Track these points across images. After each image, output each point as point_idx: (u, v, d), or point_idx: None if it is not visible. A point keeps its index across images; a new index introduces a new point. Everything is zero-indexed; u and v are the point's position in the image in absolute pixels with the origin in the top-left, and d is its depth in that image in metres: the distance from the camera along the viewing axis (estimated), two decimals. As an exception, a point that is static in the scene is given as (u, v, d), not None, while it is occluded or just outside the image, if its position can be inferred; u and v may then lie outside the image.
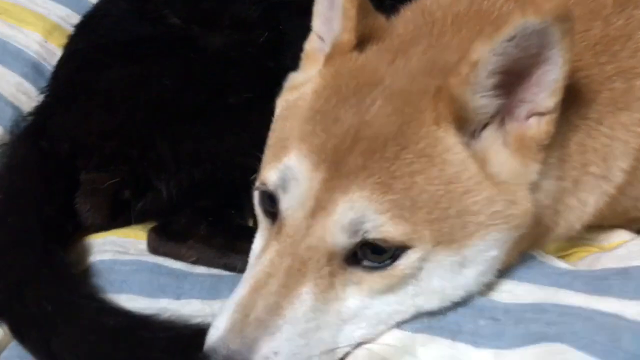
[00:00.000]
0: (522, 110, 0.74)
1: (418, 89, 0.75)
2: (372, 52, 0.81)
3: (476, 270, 0.76)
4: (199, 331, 0.78)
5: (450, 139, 0.72)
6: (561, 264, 0.85)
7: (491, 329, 0.77)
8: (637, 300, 0.75)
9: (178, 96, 1.04)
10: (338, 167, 0.72)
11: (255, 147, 1.01)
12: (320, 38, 0.89)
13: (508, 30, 0.66)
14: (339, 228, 0.71)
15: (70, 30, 1.26)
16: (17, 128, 1.13)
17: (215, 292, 0.92)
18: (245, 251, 0.93)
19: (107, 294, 0.92)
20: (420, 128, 0.72)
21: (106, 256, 0.98)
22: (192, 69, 1.07)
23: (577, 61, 0.78)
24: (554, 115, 0.73)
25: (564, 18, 0.66)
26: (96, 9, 1.24)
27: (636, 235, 0.92)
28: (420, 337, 0.77)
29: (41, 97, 1.16)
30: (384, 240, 0.71)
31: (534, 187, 0.76)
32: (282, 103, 0.87)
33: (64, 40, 1.25)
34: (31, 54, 1.29)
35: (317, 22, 0.87)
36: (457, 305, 0.78)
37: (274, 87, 1.03)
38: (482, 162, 0.73)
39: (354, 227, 0.71)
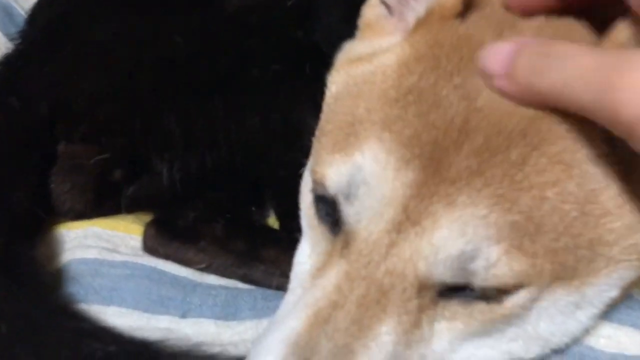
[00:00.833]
0: None
1: None
2: (474, 21, 0.63)
3: (590, 314, 0.61)
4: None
5: (596, 147, 0.55)
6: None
7: (593, 384, 0.62)
8: None
9: (192, 59, 0.84)
10: (438, 168, 0.54)
11: (284, 130, 0.83)
12: (384, 3, 0.70)
13: None
14: (441, 259, 0.53)
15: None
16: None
17: (232, 310, 0.72)
18: (272, 260, 0.75)
19: (90, 305, 0.71)
20: (558, 124, 0.54)
21: (89, 254, 0.77)
22: (209, 30, 0.87)
23: None
24: None
25: None
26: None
27: None
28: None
29: (11, 45, 0.95)
30: (495, 290, 0.54)
31: None
32: (342, 78, 0.67)
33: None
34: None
35: None
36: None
37: (305, 61, 0.85)
38: (625, 180, 0.56)
39: (462, 264, 0.53)
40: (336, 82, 0.68)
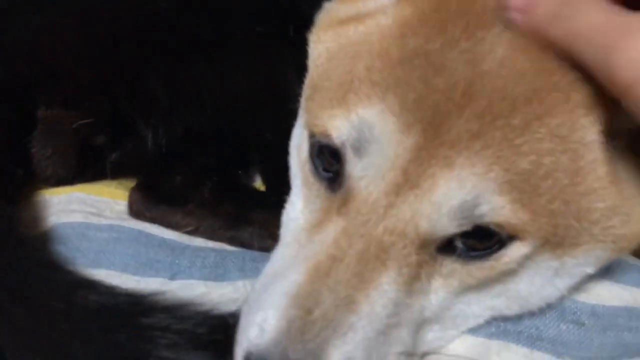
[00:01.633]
0: None
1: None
2: None
3: (566, 284, 0.63)
4: (220, 321, 0.61)
5: (592, 133, 0.57)
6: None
7: (574, 335, 0.65)
8: None
9: (176, 21, 0.83)
10: (438, 132, 0.55)
11: (269, 92, 0.83)
12: None
13: None
14: (445, 212, 0.54)
15: None
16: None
17: (221, 271, 0.72)
18: (260, 222, 0.75)
19: (79, 268, 0.70)
20: (563, 102, 0.56)
21: (75, 218, 0.76)
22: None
23: None
24: None
25: None
26: None
27: None
28: (495, 345, 0.64)
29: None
30: (499, 225, 0.55)
31: None
32: (333, 38, 0.67)
33: None
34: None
35: None
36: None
37: (289, 23, 0.85)
38: (612, 164, 0.59)
39: (466, 212, 0.54)
40: (324, 41, 0.68)
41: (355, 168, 0.57)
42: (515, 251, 0.57)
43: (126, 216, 0.79)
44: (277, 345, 0.53)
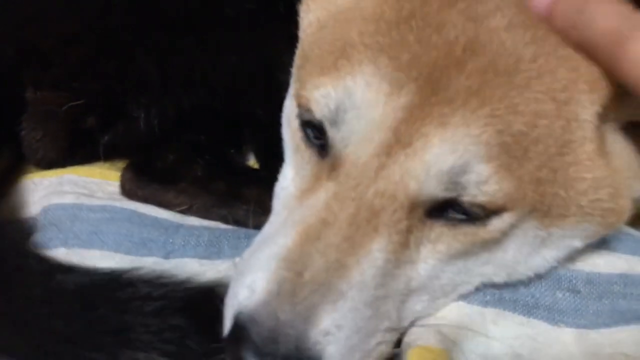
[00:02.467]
0: None
1: None
2: None
3: (554, 255, 0.63)
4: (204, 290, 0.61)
5: (587, 113, 0.57)
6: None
7: (570, 302, 0.65)
8: None
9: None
10: (435, 88, 0.54)
11: (260, 69, 0.82)
12: None
13: None
14: (433, 175, 0.54)
15: None
16: None
17: (215, 249, 0.72)
18: (254, 200, 0.75)
19: (71, 249, 0.69)
20: (569, 70, 0.55)
21: (66, 199, 0.75)
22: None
23: None
24: None
25: None
26: None
27: None
28: (491, 313, 0.64)
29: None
30: (482, 207, 0.55)
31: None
32: (323, 6, 0.66)
33: None
34: None
35: None
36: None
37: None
38: (602, 140, 0.59)
39: (453, 178, 0.53)
40: (314, 10, 0.67)
41: (336, 137, 0.57)
42: (501, 221, 0.57)
43: (118, 197, 0.78)
44: (266, 306, 0.52)
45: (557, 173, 0.57)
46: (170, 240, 0.72)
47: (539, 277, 0.65)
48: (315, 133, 0.60)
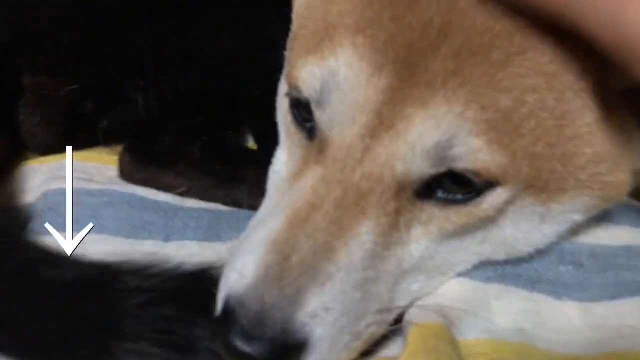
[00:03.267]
0: None
1: None
2: None
3: (554, 230, 0.62)
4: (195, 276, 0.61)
5: (584, 81, 0.55)
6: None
7: (574, 276, 0.64)
8: None
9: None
10: (414, 71, 0.53)
11: (256, 49, 0.81)
12: None
13: None
14: (419, 153, 0.53)
15: None
16: None
17: (215, 232, 0.71)
18: (252, 180, 0.74)
19: (70, 234, 0.69)
20: (553, 42, 0.53)
21: (65, 184, 0.74)
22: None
23: None
24: None
25: None
26: None
27: None
28: (494, 289, 0.64)
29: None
30: (476, 173, 0.54)
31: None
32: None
33: None
34: None
35: None
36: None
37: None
38: (602, 111, 0.57)
39: (440, 153, 0.53)
40: None
41: (322, 119, 0.56)
42: (495, 197, 0.56)
43: (117, 181, 0.78)
44: (254, 289, 0.53)
45: (555, 147, 0.55)
46: (170, 223, 0.71)
47: (539, 253, 0.64)
48: (304, 115, 0.60)
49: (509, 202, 0.57)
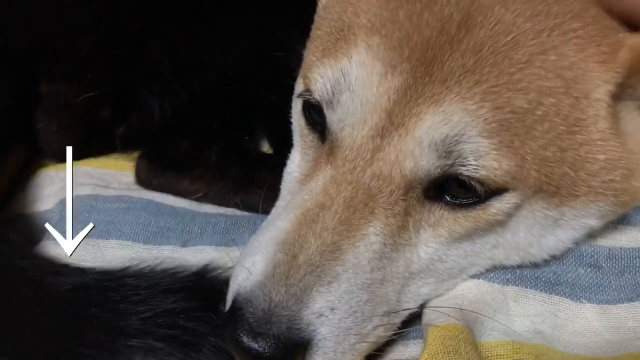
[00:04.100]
0: None
1: None
2: None
3: (570, 235, 0.62)
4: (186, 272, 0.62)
5: (599, 92, 0.55)
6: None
7: (592, 278, 0.64)
8: None
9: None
10: (429, 68, 0.53)
11: (271, 53, 0.81)
12: None
13: None
14: (426, 146, 0.53)
15: None
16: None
17: (232, 236, 0.72)
18: (268, 184, 0.74)
19: (89, 239, 0.70)
20: (575, 48, 0.54)
21: (82, 191, 0.75)
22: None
23: None
24: None
25: None
26: None
27: None
28: (512, 291, 0.64)
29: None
30: (481, 182, 0.54)
31: None
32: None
33: None
34: None
35: None
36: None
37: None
38: (616, 120, 0.57)
39: (447, 147, 0.53)
40: None
41: (332, 119, 0.57)
42: (503, 202, 0.56)
43: (134, 187, 0.79)
44: (261, 287, 0.53)
45: (566, 152, 0.55)
46: (188, 229, 0.72)
47: (555, 259, 0.64)
48: (316, 117, 0.60)
49: (518, 206, 0.57)
